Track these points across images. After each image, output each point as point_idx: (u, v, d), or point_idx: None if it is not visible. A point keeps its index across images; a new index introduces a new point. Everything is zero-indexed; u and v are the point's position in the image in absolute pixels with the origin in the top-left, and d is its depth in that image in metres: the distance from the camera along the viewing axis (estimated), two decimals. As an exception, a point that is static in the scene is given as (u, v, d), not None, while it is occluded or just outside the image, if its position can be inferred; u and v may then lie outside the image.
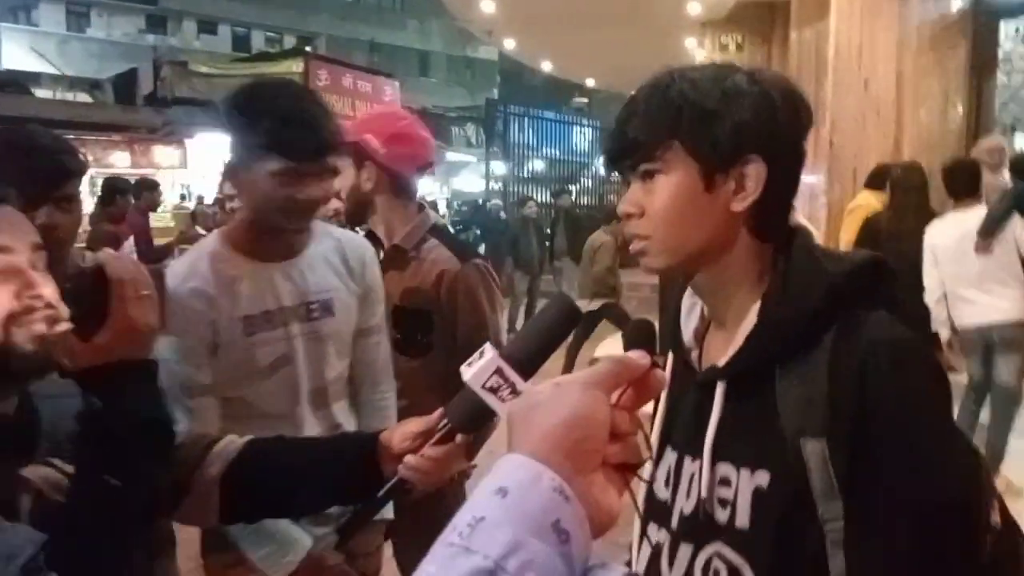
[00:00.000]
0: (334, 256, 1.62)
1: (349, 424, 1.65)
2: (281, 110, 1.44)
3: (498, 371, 0.78)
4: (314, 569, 1.48)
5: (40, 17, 28.35)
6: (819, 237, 5.76)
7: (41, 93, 15.07)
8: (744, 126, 0.83)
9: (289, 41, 30.48)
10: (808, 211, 6.32)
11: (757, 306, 0.84)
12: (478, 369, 0.78)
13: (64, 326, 0.86)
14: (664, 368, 0.57)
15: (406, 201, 1.93)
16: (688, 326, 0.97)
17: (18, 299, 0.83)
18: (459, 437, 0.91)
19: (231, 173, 1.59)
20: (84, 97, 16.25)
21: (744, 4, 7.80)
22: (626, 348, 0.60)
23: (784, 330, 0.82)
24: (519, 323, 8.49)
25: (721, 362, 0.86)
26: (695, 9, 8.08)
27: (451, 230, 5.29)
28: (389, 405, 1.73)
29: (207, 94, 14.30)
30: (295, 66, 14.39)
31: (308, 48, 23.08)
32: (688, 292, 0.98)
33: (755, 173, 0.84)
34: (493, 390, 0.78)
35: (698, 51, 8.95)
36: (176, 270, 1.53)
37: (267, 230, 1.52)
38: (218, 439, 1.13)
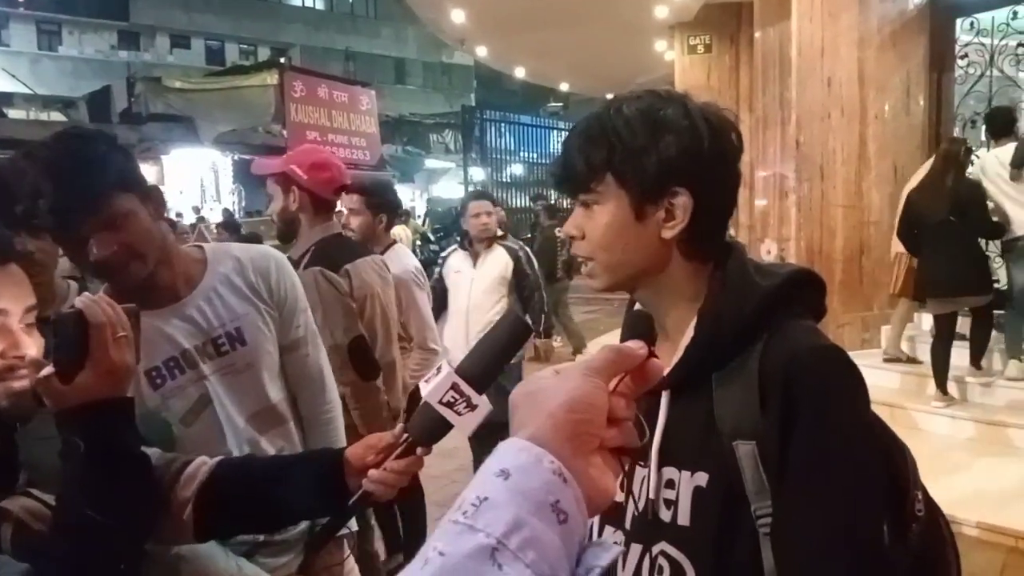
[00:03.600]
0: (236, 278, 1.54)
1: (293, 445, 1.61)
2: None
3: (454, 387, 0.81)
4: None
5: (10, 36, 28.05)
6: (793, 233, 5.87)
7: (14, 114, 14.98)
8: (670, 161, 0.89)
9: (263, 53, 30.34)
10: (778, 209, 6.46)
11: (695, 320, 0.90)
12: (435, 385, 0.82)
13: (46, 371, 0.93)
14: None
15: (321, 220, 2.41)
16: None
17: (3, 357, 0.91)
18: (419, 450, 0.95)
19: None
20: (58, 116, 16.16)
21: (711, 6, 7.91)
22: (624, 338, 0.62)
23: (719, 342, 0.88)
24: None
25: (665, 372, 0.91)
26: (663, 12, 8.18)
27: (430, 236, 5.35)
28: (332, 417, 1.70)
29: (182, 109, 14.26)
30: (270, 78, 14.35)
31: (283, 59, 23.02)
32: (637, 304, 1.02)
33: (682, 204, 0.90)
34: (449, 404, 0.82)
35: (668, 53, 9.07)
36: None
37: (118, 288, 1.40)
38: (190, 460, 1.17)
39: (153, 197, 1.42)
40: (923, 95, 6.02)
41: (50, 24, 28.71)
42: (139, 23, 29.65)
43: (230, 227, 9.14)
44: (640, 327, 0.66)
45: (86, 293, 1.13)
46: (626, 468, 0.57)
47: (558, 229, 8.54)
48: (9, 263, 0.96)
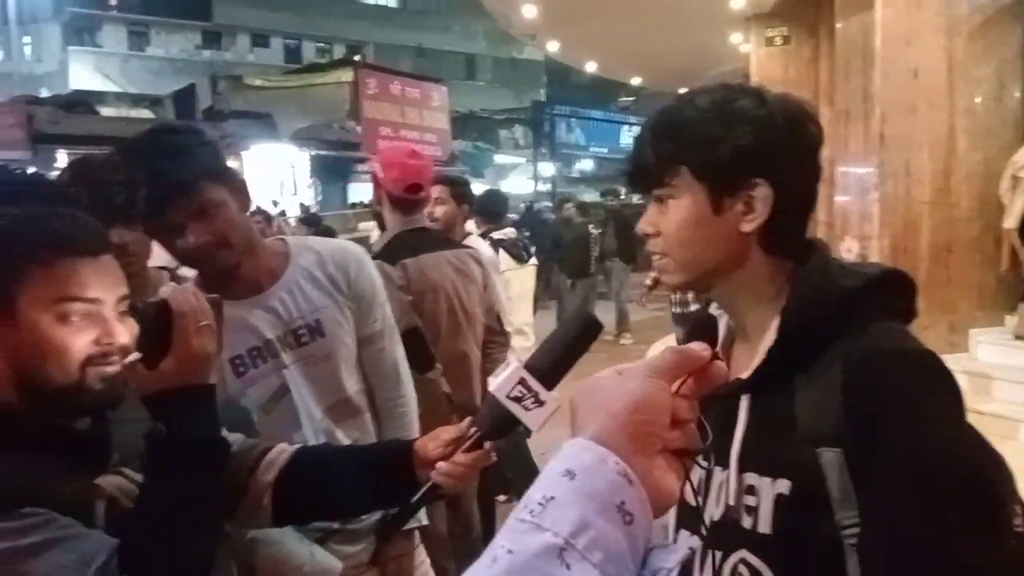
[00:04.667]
0: (317, 271, 1.58)
1: (367, 437, 1.64)
2: (131, 176, 1.38)
3: (521, 381, 0.81)
4: None
5: (103, 38, 29.50)
6: (875, 231, 5.65)
7: (106, 111, 15.74)
8: (746, 152, 0.86)
9: (339, 50, 31.05)
10: (860, 206, 6.22)
11: (777, 320, 0.88)
12: (503, 380, 0.82)
13: (132, 357, 0.97)
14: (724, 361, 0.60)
15: (399, 214, 2.51)
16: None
17: (97, 344, 0.96)
18: (486, 444, 0.96)
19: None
20: (146, 113, 16.87)
21: (789, -4, 7.68)
22: (688, 340, 0.62)
23: (802, 344, 0.85)
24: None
25: (745, 375, 0.90)
26: (739, 3, 7.98)
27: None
28: (406, 411, 1.73)
29: (261, 106, 14.73)
30: (345, 76, 14.68)
31: (357, 57, 23.49)
32: (714, 304, 1.01)
33: (763, 196, 0.87)
34: (517, 399, 0.81)
35: (744, 46, 8.85)
36: None
37: (210, 276, 1.47)
38: (271, 447, 1.21)
39: (240, 189, 1.48)
40: (1019, 86, 5.70)
41: (139, 25, 30.10)
42: (221, 23, 30.79)
43: (309, 221, 9.40)
44: (703, 329, 0.65)
45: (172, 283, 1.18)
46: (688, 470, 0.57)
47: (591, 225, 8.63)
48: (104, 254, 1.00)
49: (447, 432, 1.08)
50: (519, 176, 20.12)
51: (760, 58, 8.30)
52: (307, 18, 31.54)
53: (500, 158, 20.19)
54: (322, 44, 32.42)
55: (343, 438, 1.59)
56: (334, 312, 1.58)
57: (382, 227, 2.71)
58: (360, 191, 17.14)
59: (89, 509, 0.95)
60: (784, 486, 0.83)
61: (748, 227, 0.89)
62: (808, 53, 8.00)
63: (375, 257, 2.43)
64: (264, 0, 30.76)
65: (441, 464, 1.02)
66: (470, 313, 2.64)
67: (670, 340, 8.95)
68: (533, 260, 4.42)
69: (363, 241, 8.13)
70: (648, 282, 5.56)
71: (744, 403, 0.89)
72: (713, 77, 10.64)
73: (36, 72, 27.43)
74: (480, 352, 2.72)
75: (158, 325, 0.98)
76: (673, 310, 5.27)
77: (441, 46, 33.69)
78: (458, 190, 3.23)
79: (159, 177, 1.34)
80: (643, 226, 0.95)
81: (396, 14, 34.56)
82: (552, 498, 0.47)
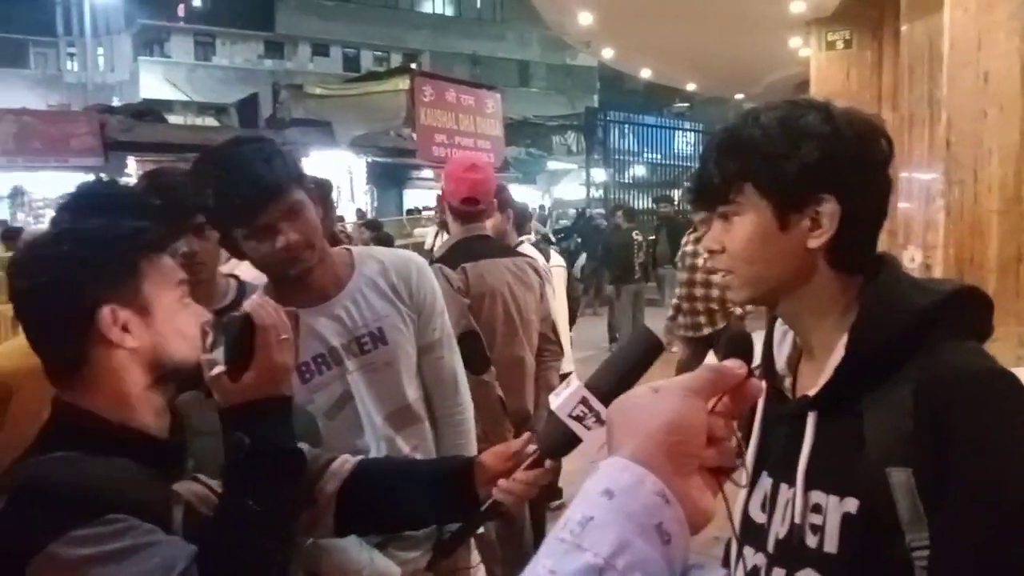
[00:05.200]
0: (380, 280, 1.61)
1: (426, 444, 1.66)
2: (221, 183, 1.43)
3: (583, 401, 0.80)
4: None
5: (172, 48, 30.58)
6: (940, 240, 5.48)
7: (173, 119, 16.30)
8: (813, 167, 0.86)
9: (395, 58, 31.53)
10: (924, 214, 6.03)
11: (845, 338, 0.86)
12: (565, 398, 0.82)
13: (218, 369, 1.02)
14: (760, 378, 0.60)
15: (459, 223, 2.62)
16: (781, 354, 1.00)
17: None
18: (547, 462, 0.96)
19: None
20: (212, 121, 17.43)
21: (852, -1, 7.51)
22: (723, 357, 0.62)
23: (871, 362, 0.84)
24: (622, 333, 8.44)
25: (812, 392, 0.89)
26: (799, 7, 7.84)
27: (551, 238, 5.41)
28: (463, 420, 1.74)
29: (320, 114, 15.06)
30: (401, 83, 14.90)
31: (413, 65, 23.81)
32: (779, 320, 1.00)
33: (829, 212, 0.86)
34: (579, 419, 0.81)
35: (803, 50, 8.68)
36: None
37: (281, 282, 1.52)
38: (334, 458, 1.24)
39: (320, 196, 1.53)
40: (1098, 90, 5.46)
41: (205, 36, 31.11)
42: (283, 33, 31.59)
43: (371, 225, 9.60)
44: (739, 347, 0.65)
45: (254, 296, 1.22)
46: (722, 487, 0.57)
47: (635, 232, 8.56)
48: (163, 255, 1.07)
49: (506, 448, 1.10)
50: (571, 182, 20.10)
51: (820, 63, 8.13)
52: (365, 27, 32.14)
53: (552, 164, 20.19)
54: (379, 52, 32.96)
55: (403, 445, 1.62)
56: (396, 321, 1.61)
57: (448, 233, 2.83)
58: (415, 197, 17.37)
59: (168, 515, 0.98)
60: (852, 505, 0.82)
61: (815, 243, 0.88)
62: (871, 57, 7.81)
63: (436, 261, 2.50)
64: (325, 10, 31.48)
65: (502, 481, 1.02)
66: (526, 319, 2.66)
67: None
68: (556, 261, 4.36)
69: (418, 247, 8.23)
70: (670, 313, 5.24)
71: (811, 421, 0.89)
72: (771, 82, 10.45)
73: (108, 82, 28.61)
74: (535, 359, 2.73)
75: (242, 338, 1.01)
76: (683, 333, 5.05)
77: (495, 53, 33.91)
78: (500, 196, 3.21)
79: (256, 181, 1.40)
80: (708, 243, 0.95)
81: (452, 23, 34.91)
82: (591, 518, 0.48)
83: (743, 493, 0.97)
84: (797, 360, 0.99)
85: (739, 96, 15.70)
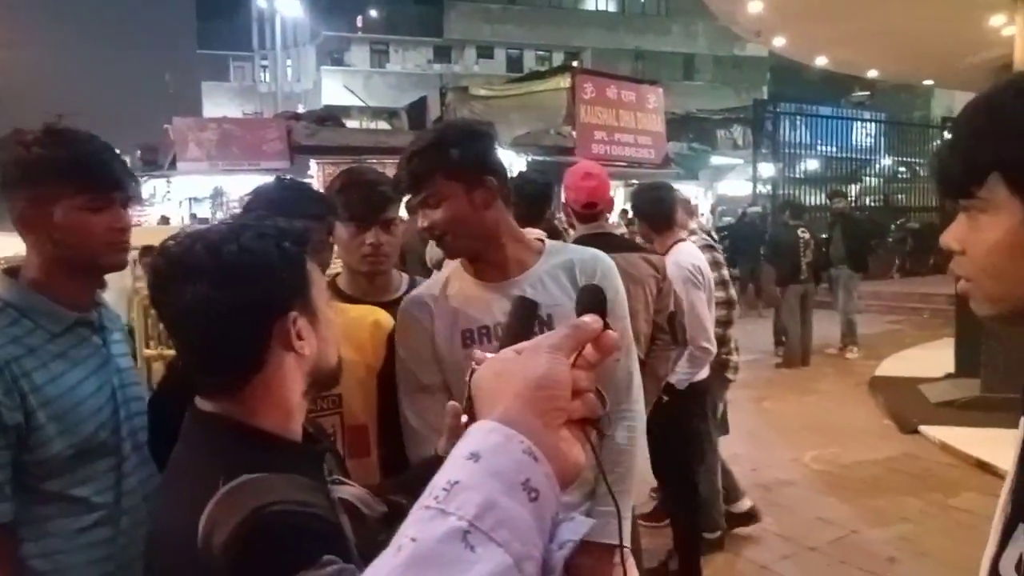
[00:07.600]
0: (562, 273, 1.65)
1: None
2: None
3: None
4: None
5: (351, 57, 32.78)
6: None
7: (350, 123, 17.47)
8: None
9: (557, 57, 31.86)
10: None
11: None
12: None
13: (464, 419, 1.03)
14: (612, 330, 0.59)
15: (580, 223, 2.94)
16: None
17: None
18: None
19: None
20: (384, 125, 18.49)
21: (1070, -33, 6.64)
22: (580, 313, 0.62)
23: None
24: (789, 335, 8.01)
25: None
26: (1004, -20, 7.07)
27: (714, 236, 5.19)
28: (631, 426, 1.72)
29: (484, 114, 15.49)
30: (563, 82, 15.05)
31: (575, 63, 23.91)
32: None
33: None
34: None
35: (1007, 28, 7.80)
36: (427, 280, 1.81)
37: (474, 259, 1.67)
38: None
39: (482, 190, 1.57)
40: None
41: (380, 44, 33.07)
42: (451, 38, 32.93)
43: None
44: (593, 302, 0.63)
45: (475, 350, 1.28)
46: (592, 439, 0.58)
47: (801, 230, 8.00)
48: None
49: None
50: (736, 178, 19.30)
51: (1028, 41, 7.27)
52: (530, 28, 32.76)
53: (716, 159, 19.50)
54: (542, 52, 33.44)
55: None
56: (568, 312, 1.62)
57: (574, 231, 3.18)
58: (573, 195, 17.39)
59: (341, 526, 0.94)
60: None
61: None
62: (1093, 34, 6.90)
63: None
64: (491, 14, 32.47)
65: None
66: (631, 310, 2.71)
67: (907, 355, 8.10)
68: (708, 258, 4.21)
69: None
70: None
71: None
72: (968, 66, 9.49)
73: (295, 91, 31.09)
74: (644, 347, 2.82)
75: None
76: None
77: (660, 48, 33.34)
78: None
79: (400, 170, 1.61)
80: (947, 240, 0.78)
81: (615, 19, 34.72)
82: (457, 482, 0.48)
83: (991, 546, 0.79)
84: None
85: (928, 82, 14.37)
